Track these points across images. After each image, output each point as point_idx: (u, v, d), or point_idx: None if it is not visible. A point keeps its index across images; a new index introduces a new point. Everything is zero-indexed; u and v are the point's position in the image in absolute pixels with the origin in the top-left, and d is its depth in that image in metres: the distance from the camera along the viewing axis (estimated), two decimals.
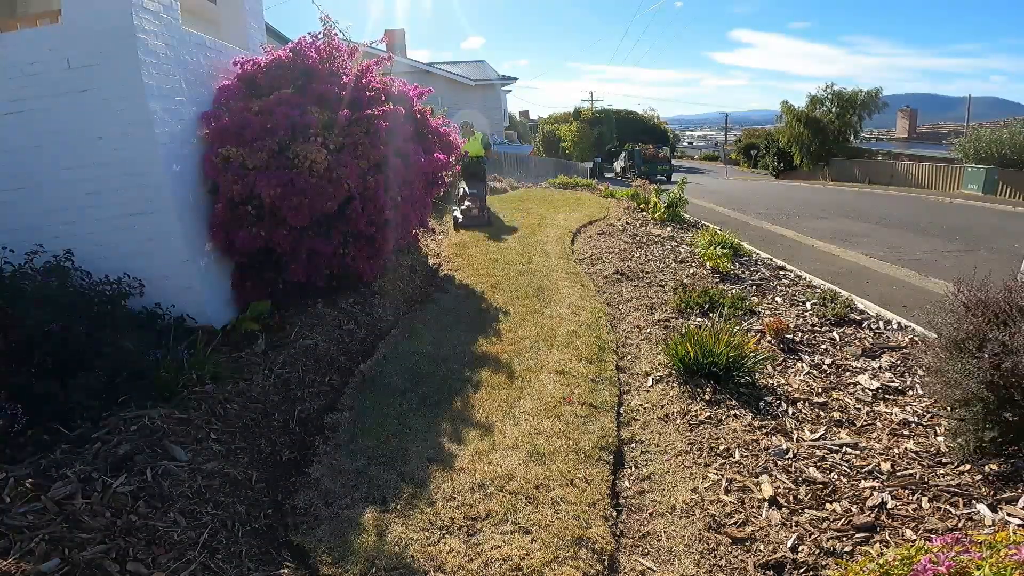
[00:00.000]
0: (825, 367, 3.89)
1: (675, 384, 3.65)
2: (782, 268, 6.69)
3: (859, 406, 3.36)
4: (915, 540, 2.18)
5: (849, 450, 2.91)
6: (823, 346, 4.24)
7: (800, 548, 2.30)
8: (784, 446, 2.96)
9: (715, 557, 2.32)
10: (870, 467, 2.76)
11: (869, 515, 2.43)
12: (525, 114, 45.54)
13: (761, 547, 2.33)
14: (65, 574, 1.89)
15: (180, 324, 3.76)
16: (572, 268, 6.48)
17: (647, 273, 6.17)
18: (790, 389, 3.57)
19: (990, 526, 2.28)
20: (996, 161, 17.53)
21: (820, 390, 3.56)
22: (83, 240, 3.54)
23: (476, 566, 2.25)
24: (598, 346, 4.33)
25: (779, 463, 2.83)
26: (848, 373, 3.80)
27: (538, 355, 4.18)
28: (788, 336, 4.29)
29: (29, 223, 3.57)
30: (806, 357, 4.04)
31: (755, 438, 3.05)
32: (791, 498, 2.59)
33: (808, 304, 5.17)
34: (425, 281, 5.99)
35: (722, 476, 2.77)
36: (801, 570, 2.20)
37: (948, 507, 2.45)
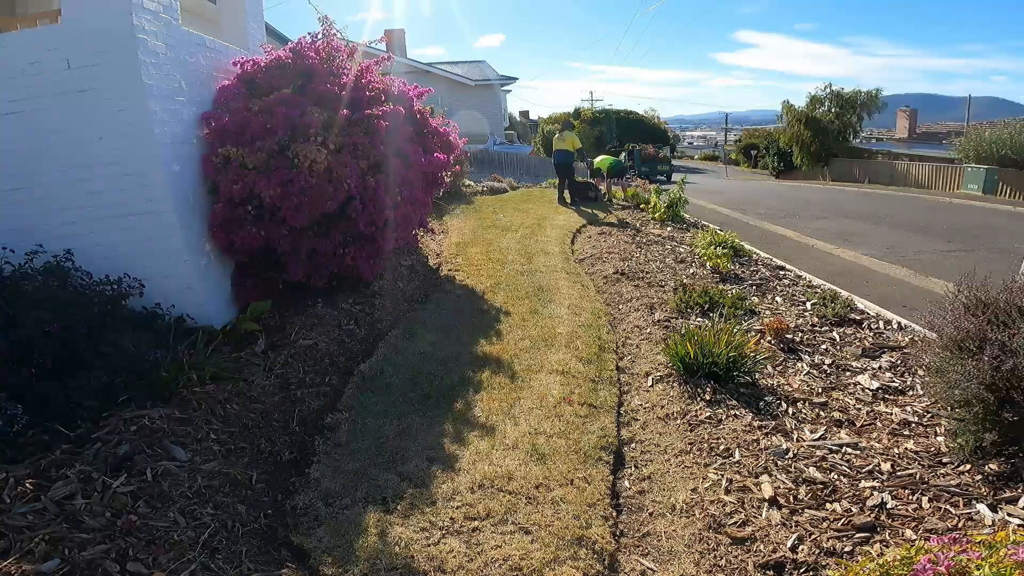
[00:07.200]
0: (825, 367, 3.89)
1: (675, 384, 3.65)
2: (782, 268, 6.69)
3: (859, 406, 3.36)
4: (915, 540, 2.18)
5: (849, 450, 2.91)
6: (823, 346, 4.24)
7: (800, 548, 2.30)
8: (784, 446, 2.96)
9: (715, 557, 2.32)
10: (870, 467, 2.76)
11: (869, 515, 2.43)
12: (525, 114, 45.48)
13: (761, 547, 2.33)
14: (65, 574, 1.89)
15: (180, 324, 3.76)
16: (572, 268, 6.48)
17: (647, 273, 6.17)
18: (790, 389, 3.57)
19: (990, 526, 2.27)
20: (996, 161, 17.50)
21: (820, 390, 3.56)
22: (83, 240, 3.54)
23: (476, 566, 2.25)
24: (598, 346, 4.33)
25: (779, 463, 2.83)
26: (848, 373, 3.80)
27: (538, 355, 4.18)
28: (788, 336, 4.29)
29: (29, 223, 3.57)
30: (806, 357, 4.04)
31: (755, 438, 3.05)
32: (791, 498, 2.59)
33: (808, 304, 5.16)
34: (425, 281, 5.99)
35: (722, 476, 2.77)
36: (801, 570, 2.20)
37: (948, 507, 2.45)
